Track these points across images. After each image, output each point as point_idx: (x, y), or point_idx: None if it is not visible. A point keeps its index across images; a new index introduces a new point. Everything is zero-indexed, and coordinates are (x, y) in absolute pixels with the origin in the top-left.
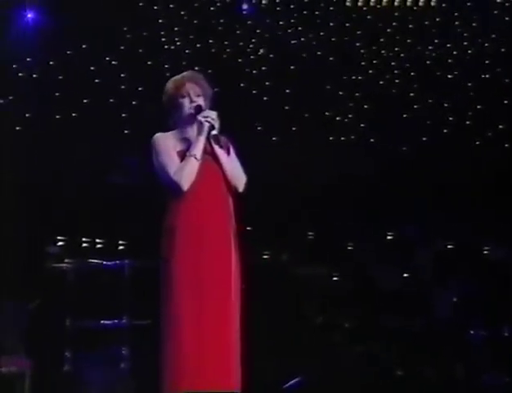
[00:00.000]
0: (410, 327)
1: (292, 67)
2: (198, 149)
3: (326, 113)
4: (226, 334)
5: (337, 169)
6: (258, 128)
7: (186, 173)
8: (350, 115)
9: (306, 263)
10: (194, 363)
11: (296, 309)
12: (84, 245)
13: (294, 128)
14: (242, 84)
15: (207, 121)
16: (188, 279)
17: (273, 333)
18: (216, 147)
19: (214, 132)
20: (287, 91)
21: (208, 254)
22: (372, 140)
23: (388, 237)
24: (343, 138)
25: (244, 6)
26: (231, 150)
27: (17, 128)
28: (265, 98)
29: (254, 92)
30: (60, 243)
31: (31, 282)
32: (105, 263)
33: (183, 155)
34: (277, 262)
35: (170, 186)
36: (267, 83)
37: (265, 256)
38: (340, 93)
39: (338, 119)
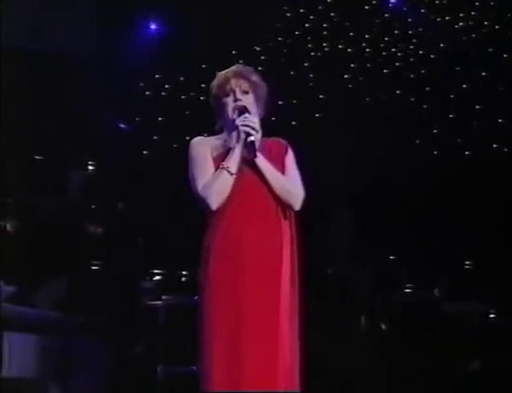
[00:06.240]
0: None
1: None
2: (232, 161)
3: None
4: (272, 363)
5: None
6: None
7: (215, 190)
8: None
9: (460, 298)
10: None
11: (448, 351)
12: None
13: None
14: (398, 91)
15: (243, 125)
16: (224, 313)
17: (423, 378)
18: (259, 157)
19: (252, 138)
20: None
21: (248, 281)
22: None
23: None
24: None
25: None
26: (289, 161)
27: (144, 152)
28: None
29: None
30: (156, 277)
31: (121, 323)
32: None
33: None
34: (425, 297)
35: (199, 202)
36: (427, 89)
37: (408, 290)
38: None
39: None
